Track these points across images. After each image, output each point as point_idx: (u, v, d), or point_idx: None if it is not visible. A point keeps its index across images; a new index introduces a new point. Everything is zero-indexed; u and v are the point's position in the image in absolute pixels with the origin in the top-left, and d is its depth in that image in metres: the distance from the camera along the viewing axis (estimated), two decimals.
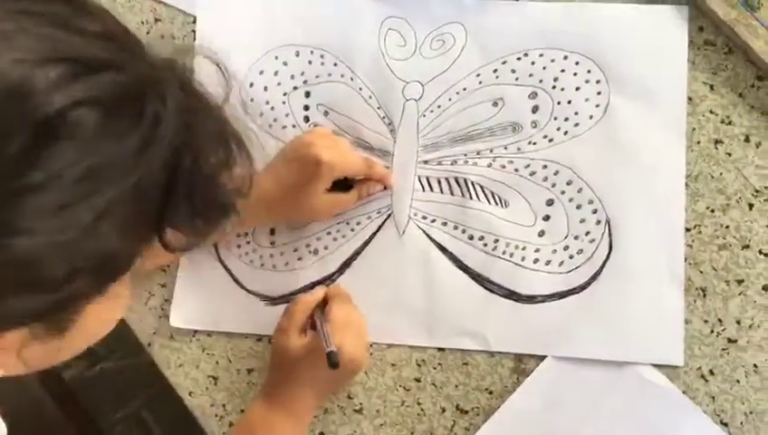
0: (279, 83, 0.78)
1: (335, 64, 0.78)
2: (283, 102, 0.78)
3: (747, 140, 0.71)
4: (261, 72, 0.78)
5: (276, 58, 0.79)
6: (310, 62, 0.78)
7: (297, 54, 0.78)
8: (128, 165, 0.40)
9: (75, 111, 0.38)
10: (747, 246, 0.70)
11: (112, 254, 0.42)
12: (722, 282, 0.69)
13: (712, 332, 0.69)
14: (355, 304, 0.73)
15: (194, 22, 0.81)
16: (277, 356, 0.71)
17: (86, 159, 0.38)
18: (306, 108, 0.78)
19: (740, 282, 0.69)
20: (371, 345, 0.73)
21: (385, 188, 0.75)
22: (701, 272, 0.70)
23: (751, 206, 0.70)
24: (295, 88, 0.78)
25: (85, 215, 0.39)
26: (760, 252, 0.69)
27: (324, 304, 0.72)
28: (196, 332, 0.77)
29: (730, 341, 0.68)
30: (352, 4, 0.79)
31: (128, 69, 0.41)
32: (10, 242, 0.37)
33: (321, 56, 0.78)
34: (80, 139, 0.38)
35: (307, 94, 0.78)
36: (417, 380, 0.73)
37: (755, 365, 0.68)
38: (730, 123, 0.72)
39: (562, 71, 0.74)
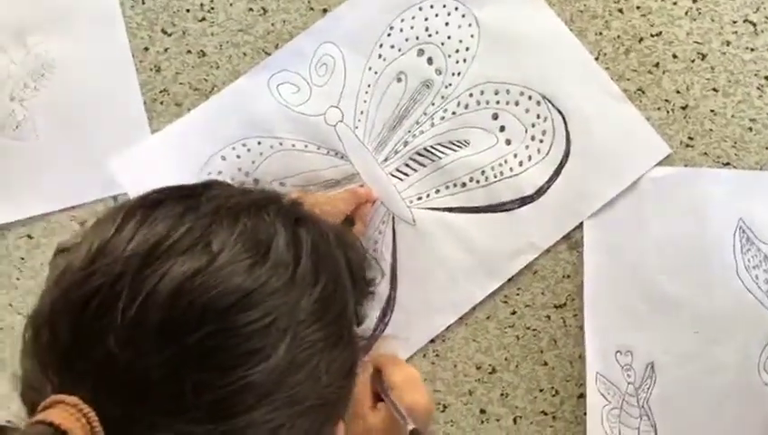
0: None
1: (259, 143, 0.81)
2: None
3: None
4: None
5: (209, 173, 0.81)
6: (239, 157, 0.81)
7: (224, 158, 0.81)
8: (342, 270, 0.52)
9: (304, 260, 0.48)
10: (641, 39, 0.82)
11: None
12: (646, 74, 0.82)
13: (668, 112, 0.81)
14: (403, 359, 0.77)
15: (115, 200, 0.81)
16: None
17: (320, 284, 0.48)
18: None
19: (656, 65, 0.82)
20: (461, 319, 0.79)
21: (374, 202, 0.80)
22: (628, 79, 0.82)
23: (620, 10, 0.83)
24: (243, 184, 0.81)
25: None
26: (651, 35, 0.82)
27: (377, 370, 0.73)
28: None
29: (683, 108, 0.81)
30: (234, 92, 0.83)
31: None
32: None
33: (244, 144, 0.81)
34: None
35: (256, 182, 0.81)
36: (513, 313, 0.80)
37: (712, 110, 0.81)
38: None
39: (426, 19, 0.83)
